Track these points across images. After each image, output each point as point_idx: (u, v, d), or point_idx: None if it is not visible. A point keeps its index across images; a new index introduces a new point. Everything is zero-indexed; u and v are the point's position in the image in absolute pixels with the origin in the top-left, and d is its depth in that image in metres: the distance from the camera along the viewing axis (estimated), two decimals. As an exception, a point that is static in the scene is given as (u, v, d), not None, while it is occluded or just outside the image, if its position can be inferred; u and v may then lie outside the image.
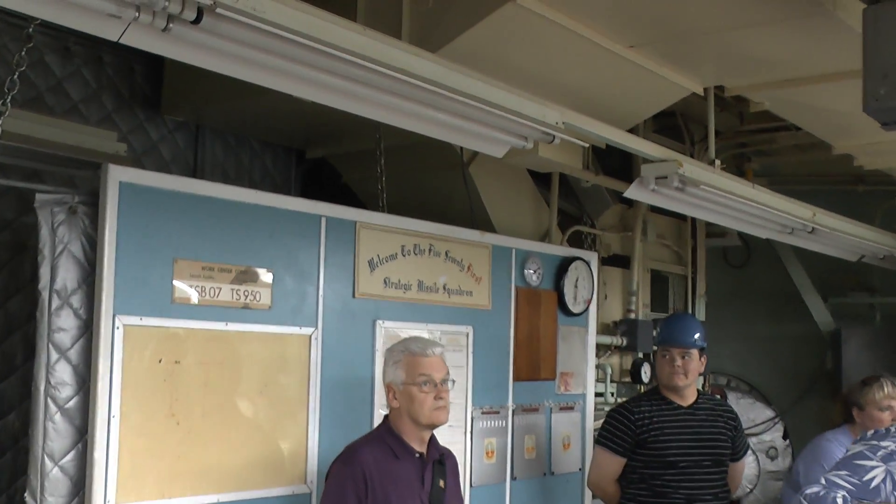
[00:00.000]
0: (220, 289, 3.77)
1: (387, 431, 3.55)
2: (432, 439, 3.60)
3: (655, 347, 5.01)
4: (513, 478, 5.12)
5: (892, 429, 3.70)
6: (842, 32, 3.66)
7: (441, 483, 3.55)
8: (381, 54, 3.08)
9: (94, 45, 4.53)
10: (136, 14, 2.50)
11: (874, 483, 3.61)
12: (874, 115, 3.11)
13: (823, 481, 3.68)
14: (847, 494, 3.62)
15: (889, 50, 3.02)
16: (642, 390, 6.41)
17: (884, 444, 3.65)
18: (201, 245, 3.72)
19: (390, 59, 3.11)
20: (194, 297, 3.69)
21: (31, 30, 3.28)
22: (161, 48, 2.70)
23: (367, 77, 3.14)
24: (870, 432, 3.77)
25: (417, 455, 3.52)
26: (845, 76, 4.30)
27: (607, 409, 6.08)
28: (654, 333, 5.09)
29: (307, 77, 3.06)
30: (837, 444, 4.77)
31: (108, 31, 2.55)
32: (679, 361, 4.67)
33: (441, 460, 3.61)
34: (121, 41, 2.57)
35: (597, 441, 4.85)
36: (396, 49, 3.16)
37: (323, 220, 4.19)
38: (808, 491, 3.69)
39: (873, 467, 3.62)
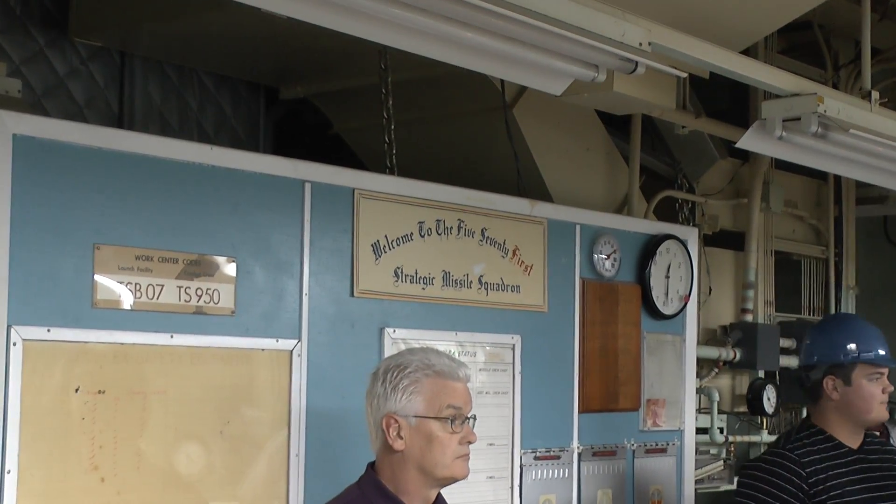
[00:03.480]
0: (163, 286, 3.76)
1: (376, 490, 3.40)
2: (438, 498, 3.49)
3: (825, 365, 4.74)
4: (582, 551, 5.15)
5: None
6: None
7: None
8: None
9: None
10: None
11: None
12: None
13: None
14: None
15: None
16: (765, 425, 6.41)
17: None
18: (133, 225, 3.71)
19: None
20: (125, 300, 3.68)
21: None
22: None
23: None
24: None
25: None
26: None
27: (714, 451, 6.13)
28: (809, 341, 4.82)
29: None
30: None
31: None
32: (889, 385, 4.62)
33: None
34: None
35: None
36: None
37: (307, 187, 4.19)
38: None
39: None
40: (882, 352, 4.68)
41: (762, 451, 6.41)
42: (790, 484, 4.48)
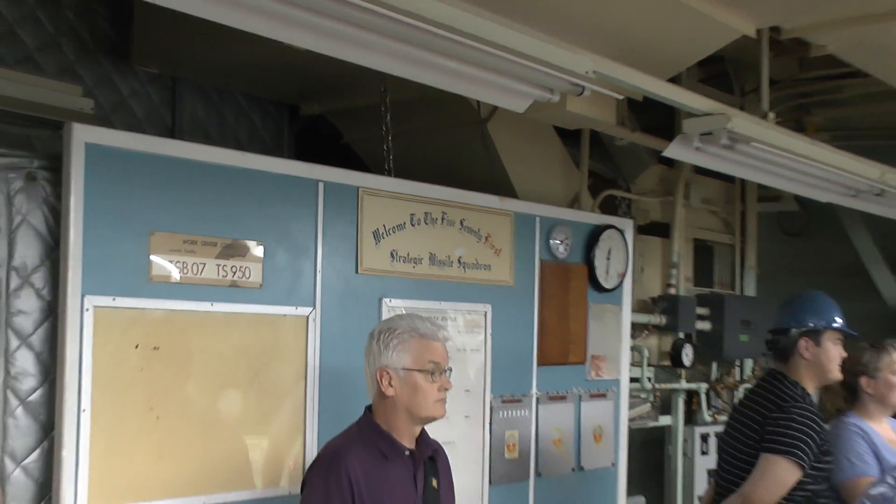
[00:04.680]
0: (204, 265, 3.75)
1: (372, 428, 3.41)
2: (422, 434, 3.49)
3: (800, 329, 4.62)
4: (537, 474, 5.15)
5: None
6: None
7: (434, 483, 3.47)
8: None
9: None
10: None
11: None
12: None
13: (891, 480, 3.75)
14: (916, 495, 3.63)
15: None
16: (684, 375, 6.42)
17: None
18: (181, 215, 3.70)
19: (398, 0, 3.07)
20: (174, 275, 3.67)
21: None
22: None
23: (370, 21, 3.09)
24: None
25: (408, 453, 3.42)
26: None
27: (643, 396, 6.15)
28: (787, 311, 4.73)
29: (299, 20, 3.02)
30: (855, 432, 4.80)
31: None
32: (843, 351, 4.56)
33: (433, 457, 3.52)
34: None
35: (784, 453, 4.35)
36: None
37: (321, 186, 4.17)
38: (873, 491, 3.72)
39: None
40: (842, 321, 4.66)
41: (682, 396, 6.45)
42: (815, 432, 4.35)
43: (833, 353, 4.60)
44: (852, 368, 4.77)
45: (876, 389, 4.91)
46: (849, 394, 4.97)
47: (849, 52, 5.22)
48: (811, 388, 4.57)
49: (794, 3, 4.58)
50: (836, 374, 4.64)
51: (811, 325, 4.59)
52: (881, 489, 3.72)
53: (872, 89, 6.21)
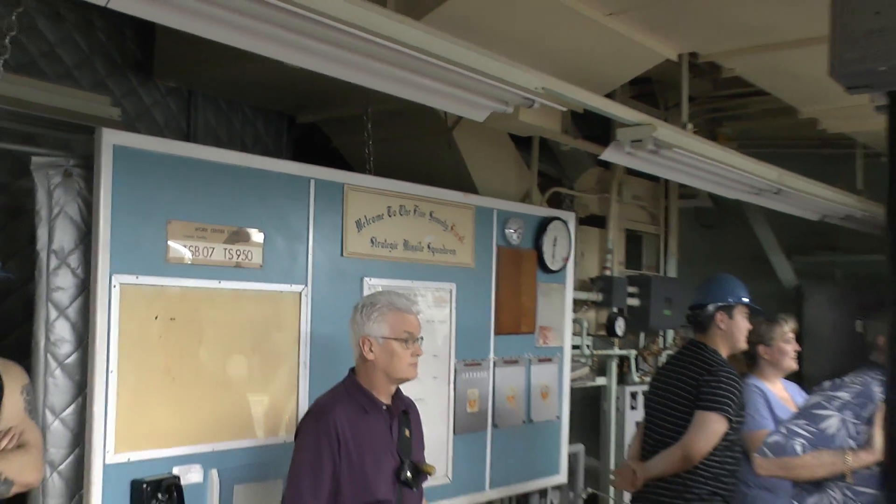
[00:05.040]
0: (213, 248, 3.74)
1: (355, 387, 3.43)
2: (397, 391, 3.51)
3: (716, 304, 4.65)
4: (494, 426, 5.15)
5: (847, 379, 3.78)
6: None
7: (407, 432, 3.48)
8: (368, 21, 3.01)
9: (85, 10, 4.41)
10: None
11: (830, 431, 3.68)
12: (840, 80, 3.03)
13: (784, 430, 3.78)
14: (805, 442, 3.68)
15: (857, 15, 2.95)
16: (617, 343, 6.46)
17: (839, 394, 3.76)
18: (194, 206, 3.68)
19: (376, 26, 3.05)
20: (188, 257, 3.66)
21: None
22: (146, 12, 2.61)
23: (353, 44, 3.07)
24: (826, 383, 3.84)
25: (385, 408, 3.43)
26: (813, 42, 4.26)
27: (583, 360, 6.15)
28: (706, 289, 4.66)
29: (295, 43, 2.99)
30: (755, 391, 4.86)
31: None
32: (749, 324, 4.61)
33: (406, 410, 3.54)
34: (108, 6, 2.48)
35: (717, 409, 4.37)
36: (382, 16, 3.09)
37: (312, 183, 4.15)
38: (769, 439, 3.76)
39: (829, 416, 3.73)
40: (749, 298, 4.68)
41: (615, 361, 6.49)
42: (738, 390, 4.44)
43: (742, 325, 4.64)
44: (752, 339, 4.82)
45: (771, 356, 4.97)
46: (749, 360, 5.03)
47: (752, 75, 5.25)
48: (724, 355, 4.61)
49: (708, 34, 4.59)
50: (743, 344, 4.68)
51: (729, 300, 4.64)
52: (776, 438, 3.76)
53: (772, 106, 6.25)
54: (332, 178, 4.27)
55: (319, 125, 5.67)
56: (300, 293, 4.08)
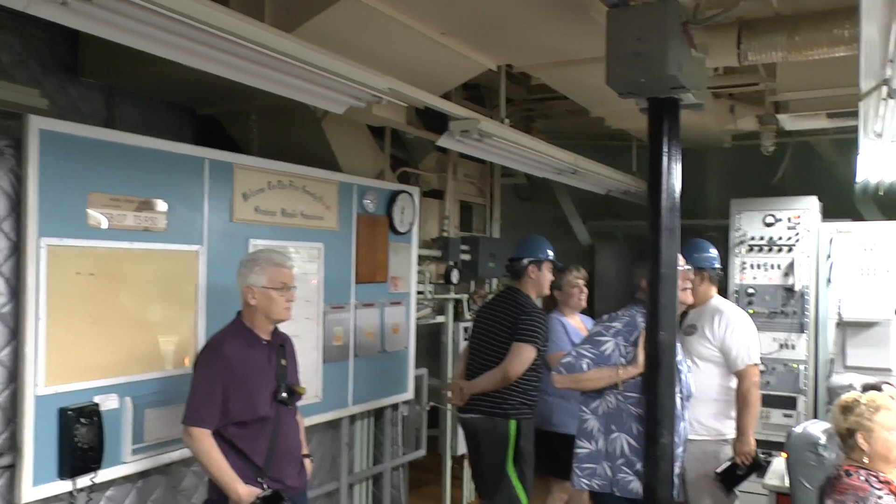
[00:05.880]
0: (126, 215, 3.69)
1: (241, 326, 3.45)
2: (275, 329, 3.54)
3: (529, 259, 4.79)
4: (355, 355, 5.19)
5: (619, 313, 3.92)
6: (595, 28, 3.72)
7: (283, 362, 3.52)
8: (249, 33, 3.03)
9: (21, 19, 4.21)
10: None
11: (607, 352, 3.86)
12: (614, 88, 3.26)
13: (574, 353, 3.90)
14: (590, 361, 3.87)
15: (624, 41, 3.16)
16: (452, 289, 6.57)
17: (613, 324, 3.89)
18: (110, 181, 3.62)
19: (256, 36, 3.06)
20: (104, 223, 3.61)
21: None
22: (62, 18, 2.55)
23: (238, 51, 3.08)
24: (605, 316, 3.98)
25: (265, 343, 3.47)
26: (596, 60, 4.33)
27: (426, 303, 6.22)
28: (522, 245, 4.86)
29: (192, 50, 2.99)
30: (557, 323, 5.08)
31: (16, 2, 2.41)
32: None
33: (283, 344, 3.57)
34: (26, 10, 2.43)
35: (530, 341, 4.55)
36: (261, 29, 3.12)
37: (207, 162, 4.13)
38: (564, 360, 3.92)
39: (607, 341, 3.86)
40: (553, 255, 4.84)
41: (451, 303, 6.58)
42: (545, 327, 4.64)
43: (547, 276, 4.84)
44: (552, 285, 5.05)
45: (562, 297, 5.20)
46: (551, 301, 5.27)
47: (555, 83, 5.35)
48: (533, 298, 4.82)
49: (519, 52, 4.64)
50: (546, 290, 4.88)
51: (539, 256, 4.83)
52: (568, 359, 3.87)
53: (572, 108, 6.38)
54: (223, 159, 4.24)
55: (217, 117, 5.55)
56: (197, 252, 4.06)
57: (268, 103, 4.64)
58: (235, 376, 3.31)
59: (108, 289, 3.62)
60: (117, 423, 3.65)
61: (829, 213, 6.92)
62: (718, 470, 4.53)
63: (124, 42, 2.79)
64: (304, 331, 4.72)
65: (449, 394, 5.03)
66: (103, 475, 3.59)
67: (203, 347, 3.48)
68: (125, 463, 3.70)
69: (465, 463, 6.62)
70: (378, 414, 5.69)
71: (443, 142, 4.65)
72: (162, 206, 3.86)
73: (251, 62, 3.19)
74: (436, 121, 5.98)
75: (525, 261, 4.78)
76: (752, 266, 6.69)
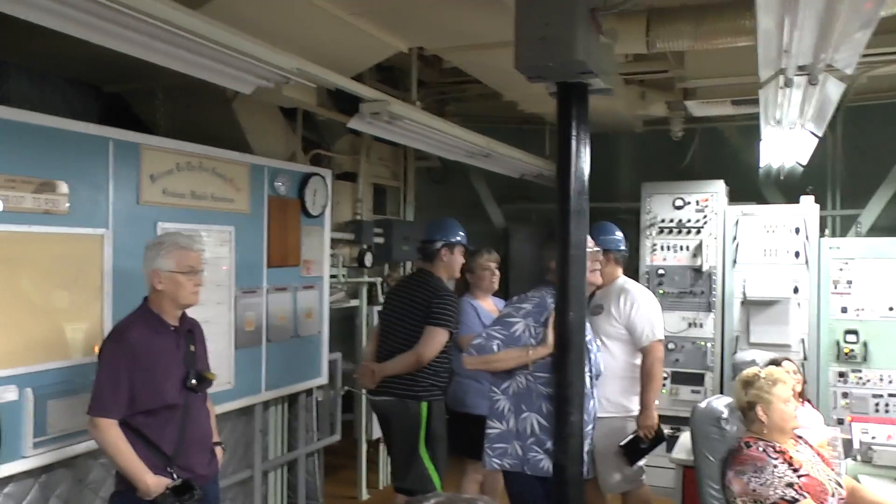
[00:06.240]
0: (24, 197, 3.57)
1: (147, 312, 3.40)
2: (183, 315, 3.50)
3: (441, 241, 4.82)
4: (268, 340, 5.16)
5: (529, 294, 3.99)
6: (505, 11, 3.74)
7: (192, 348, 3.49)
8: (153, 9, 2.98)
9: None
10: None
11: (518, 333, 3.93)
12: (523, 72, 3.31)
13: (485, 334, 3.95)
14: (500, 342, 3.93)
15: (532, 26, 3.21)
16: (366, 273, 6.59)
17: (523, 305, 3.96)
18: (7, 161, 3.49)
19: (160, 12, 3.02)
20: (2, 205, 3.47)
21: None
22: None
23: (142, 27, 3.03)
24: (515, 297, 4.05)
25: (173, 328, 3.42)
26: (506, 44, 4.40)
27: (339, 286, 6.22)
28: (434, 228, 4.89)
29: (94, 25, 2.93)
30: (469, 306, 5.17)
31: None
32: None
33: (191, 330, 3.54)
34: None
35: (443, 325, 4.60)
36: (165, 5, 3.06)
37: (111, 143, 4.03)
38: (475, 342, 3.97)
39: (517, 322, 3.93)
40: (465, 238, 4.89)
41: (365, 287, 6.61)
42: (457, 310, 4.68)
43: (459, 259, 4.90)
44: (464, 268, 5.11)
45: (474, 279, 5.29)
46: (463, 283, 5.35)
47: (467, 67, 5.41)
48: (445, 281, 4.87)
49: (429, 34, 4.68)
50: (457, 273, 4.94)
51: (451, 239, 4.88)
52: (479, 340, 3.91)
53: (484, 91, 6.44)
54: (129, 139, 4.14)
55: (122, 95, 5.42)
56: (103, 235, 3.96)
57: (175, 82, 4.56)
58: (141, 364, 3.26)
59: (6, 274, 3.50)
60: (16, 416, 3.53)
61: (735, 197, 7.21)
62: (622, 443, 4.70)
63: (12, 12, 2.70)
64: (216, 316, 4.67)
65: (358, 376, 5.03)
66: (1, 471, 3.48)
67: (108, 335, 3.41)
68: (26, 457, 3.58)
69: (381, 447, 6.67)
70: (292, 400, 5.66)
71: (354, 123, 4.66)
72: (63, 187, 3.74)
73: (153, 38, 3.14)
74: (348, 103, 5.96)
75: (437, 243, 4.82)
76: (662, 248, 6.92)
